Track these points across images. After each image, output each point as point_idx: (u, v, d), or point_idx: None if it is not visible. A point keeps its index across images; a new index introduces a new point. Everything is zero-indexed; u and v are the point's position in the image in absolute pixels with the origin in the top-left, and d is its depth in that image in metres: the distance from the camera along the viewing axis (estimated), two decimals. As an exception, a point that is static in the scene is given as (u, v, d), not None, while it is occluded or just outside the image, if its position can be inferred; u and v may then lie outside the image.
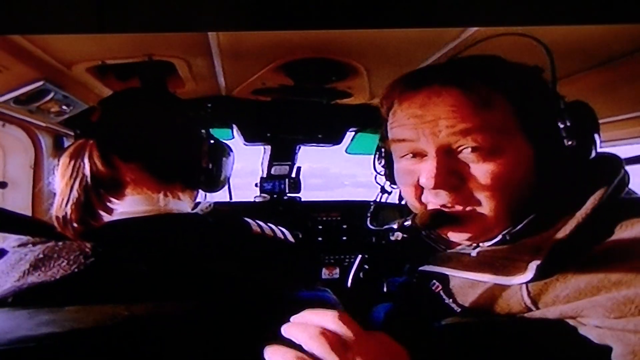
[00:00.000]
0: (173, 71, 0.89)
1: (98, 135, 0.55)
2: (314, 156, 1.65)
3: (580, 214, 0.43)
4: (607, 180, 0.46)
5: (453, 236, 0.52)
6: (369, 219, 0.67)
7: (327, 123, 1.45)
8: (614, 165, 0.48)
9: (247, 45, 0.82)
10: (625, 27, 0.56)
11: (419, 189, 0.51)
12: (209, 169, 0.63)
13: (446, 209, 0.50)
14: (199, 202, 0.68)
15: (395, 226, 0.56)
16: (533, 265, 0.43)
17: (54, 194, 0.55)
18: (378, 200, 0.68)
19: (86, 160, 0.53)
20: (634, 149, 1.06)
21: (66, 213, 0.51)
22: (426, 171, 0.48)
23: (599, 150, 0.48)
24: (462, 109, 0.46)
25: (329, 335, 0.35)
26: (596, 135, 0.47)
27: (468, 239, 0.52)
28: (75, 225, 0.50)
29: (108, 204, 0.54)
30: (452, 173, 0.47)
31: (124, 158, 0.56)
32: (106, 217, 0.54)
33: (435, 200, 0.50)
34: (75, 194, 0.52)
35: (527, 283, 0.43)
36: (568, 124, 0.46)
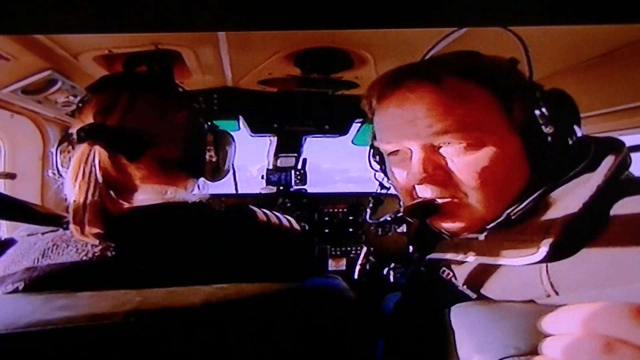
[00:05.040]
0: (180, 61, 0.88)
1: (104, 138, 0.54)
2: (306, 151, 1.66)
3: (587, 191, 0.43)
4: (611, 156, 0.46)
5: (445, 227, 0.54)
6: (368, 213, 0.68)
7: (334, 114, 1.44)
8: (617, 147, 0.48)
9: (255, 35, 0.81)
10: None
11: (410, 185, 0.53)
12: (213, 159, 0.63)
13: (436, 201, 0.51)
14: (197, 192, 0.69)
15: (389, 218, 0.57)
16: (546, 244, 0.42)
17: (64, 197, 0.54)
18: (377, 193, 0.69)
19: (96, 165, 0.53)
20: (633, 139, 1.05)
21: (83, 219, 0.50)
22: (412, 168, 0.50)
23: (582, 134, 0.49)
24: (437, 107, 0.48)
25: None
26: (575, 122, 0.48)
27: (461, 229, 0.53)
28: (92, 228, 0.50)
29: (118, 205, 0.54)
30: (437, 168, 0.50)
31: (130, 157, 0.55)
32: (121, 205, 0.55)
33: (424, 194, 0.52)
34: (90, 199, 0.51)
35: (540, 263, 0.43)
36: (544, 111, 0.47)
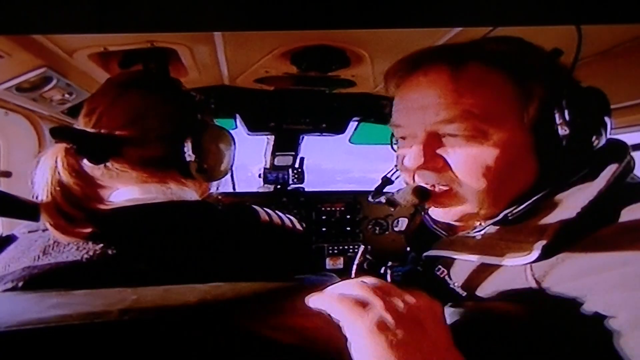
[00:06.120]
0: (176, 58, 0.88)
1: (70, 139, 0.53)
2: (306, 151, 1.67)
3: (586, 197, 0.43)
4: (614, 164, 0.45)
5: (436, 215, 0.54)
6: (372, 193, 0.67)
7: (331, 112, 1.44)
8: (620, 151, 0.48)
9: (251, 33, 0.81)
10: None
11: (411, 170, 0.53)
12: (193, 158, 0.58)
13: (430, 188, 0.52)
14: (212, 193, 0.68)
15: (383, 199, 0.59)
16: (539, 246, 0.43)
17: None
18: (388, 176, 0.69)
19: (59, 167, 0.52)
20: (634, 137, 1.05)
21: (54, 223, 0.50)
22: (411, 153, 0.50)
23: (606, 137, 0.47)
24: (448, 95, 0.47)
25: (346, 299, 0.37)
26: (605, 123, 0.46)
27: (453, 220, 0.53)
28: (77, 229, 0.49)
29: (95, 205, 0.53)
30: (436, 156, 0.49)
31: (97, 159, 0.54)
32: (111, 204, 0.54)
33: (420, 179, 0.52)
34: (55, 208, 0.50)
35: (531, 263, 0.43)
36: (566, 110, 0.45)
